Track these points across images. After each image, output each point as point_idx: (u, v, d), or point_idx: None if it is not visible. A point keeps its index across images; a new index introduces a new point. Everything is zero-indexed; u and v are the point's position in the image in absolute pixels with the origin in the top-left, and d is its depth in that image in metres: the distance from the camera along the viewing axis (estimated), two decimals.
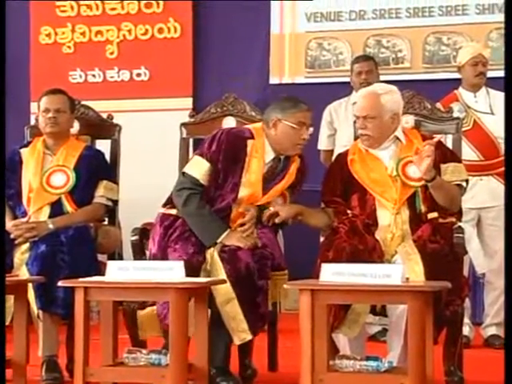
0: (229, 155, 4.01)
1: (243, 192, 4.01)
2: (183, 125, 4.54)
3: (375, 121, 3.99)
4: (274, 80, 6.84)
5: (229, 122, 4.41)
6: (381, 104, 3.99)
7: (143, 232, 4.16)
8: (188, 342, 3.56)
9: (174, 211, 4.03)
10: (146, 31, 7.09)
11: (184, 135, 4.54)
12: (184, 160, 4.48)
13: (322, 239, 4.05)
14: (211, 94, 6.04)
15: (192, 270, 3.76)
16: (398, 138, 4.08)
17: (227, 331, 3.82)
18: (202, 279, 3.68)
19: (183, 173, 4.06)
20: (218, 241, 3.92)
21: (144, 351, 3.56)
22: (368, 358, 3.46)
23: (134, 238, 4.14)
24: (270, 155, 4.07)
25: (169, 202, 4.09)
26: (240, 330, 3.81)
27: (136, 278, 3.50)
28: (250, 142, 4.04)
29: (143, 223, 4.22)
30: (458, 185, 4.06)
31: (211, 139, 4.05)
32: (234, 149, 4.02)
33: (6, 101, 4.55)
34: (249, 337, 3.83)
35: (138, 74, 7.12)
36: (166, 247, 3.94)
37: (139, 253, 4.13)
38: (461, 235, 3.87)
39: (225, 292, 3.80)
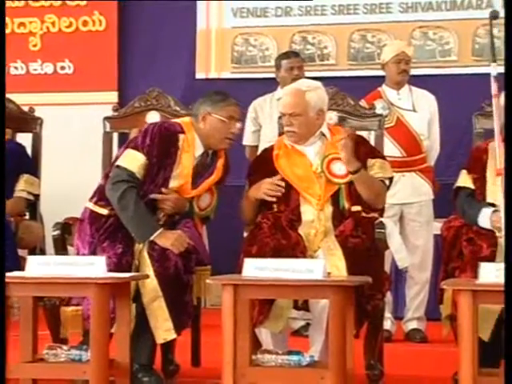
0: (162, 149, 3.99)
1: (173, 186, 4.00)
2: (106, 119, 4.49)
3: (300, 118, 4.00)
4: (200, 75, 6.83)
5: (153, 117, 4.38)
6: (306, 101, 4.01)
7: (65, 227, 4.12)
8: (110, 338, 3.53)
9: (104, 211, 3.97)
10: (70, 24, 7.01)
11: (107, 129, 4.49)
12: (107, 155, 4.44)
13: (245, 234, 4.05)
14: (137, 88, 5.98)
15: (122, 268, 3.75)
16: (323, 135, 4.10)
17: (152, 329, 3.81)
18: (123, 274, 3.65)
19: (118, 166, 3.99)
20: (151, 239, 3.89)
21: (65, 347, 3.52)
22: (290, 353, 3.48)
23: (55, 232, 4.09)
24: (199, 150, 4.07)
25: (96, 196, 4.02)
26: (164, 329, 3.79)
27: (57, 274, 3.45)
28: (181, 137, 4.03)
29: (65, 218, 4.17)
30: (382, 181, 4.09)
31: (144, 133, 4.02)
32: (166, 143, 4.01)
33: None
34: (172, 336, 3.82)
35: (62, 67, 7.03)
36: (96, 248, 3.89)
37: (61, 248, 4.09)
38: (382, 230, 3.91)
39: (152, 290, 3.78)
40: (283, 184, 3.97)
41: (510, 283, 3.07)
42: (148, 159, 3.96)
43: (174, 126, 4.07)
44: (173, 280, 3.81)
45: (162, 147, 3.98)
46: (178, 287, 3.83)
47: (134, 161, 3.97)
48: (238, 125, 4.09)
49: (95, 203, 4.00)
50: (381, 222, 3.97)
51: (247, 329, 3.38)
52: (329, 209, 3.98)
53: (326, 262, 3.52)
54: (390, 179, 4.12)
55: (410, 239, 5.29)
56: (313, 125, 4.05)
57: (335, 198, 3.98)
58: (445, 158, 5.59)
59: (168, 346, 3.99)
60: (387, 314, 5.12)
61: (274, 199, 3.97)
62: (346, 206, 3.98)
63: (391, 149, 5.16)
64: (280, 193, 3.97)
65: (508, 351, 2.99)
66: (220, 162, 4.11)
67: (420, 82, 5.54)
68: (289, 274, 3.39)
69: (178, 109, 4.39)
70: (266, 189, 3.98)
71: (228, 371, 3.32)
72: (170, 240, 3.85)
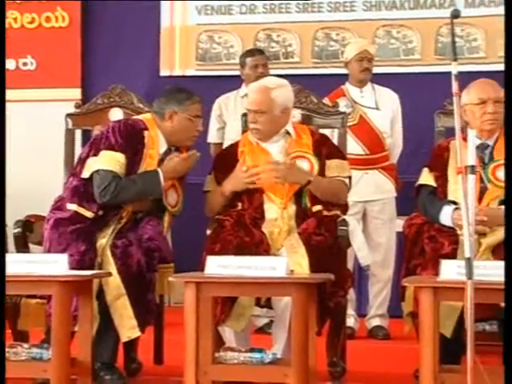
0: (132, 147, 4.00)
1: None
2: (68, 115, 4.47)
3: (266, 115, 4.01)
4: (164, 72, 6.81)
5: (115, 114, 4.37)
6: (271, 99, 4.02)
7: (26, 224, 4.09)
8: (72, 336, 3.51)
9: (88, 213, 3.95)
10: (32, 20, 6.95)
11: (69, 126, 4.47)
12: (70, 152, 4.42)
13: (208, 232, 4.05)
14: (101, 85, 5.94)
15: (84, 266, 3.74)
16: (288, 133, 4.11)
17: (116, 327, 3.79)
18: (85, 272, 3.64)
19: (98, 170, 3.96)
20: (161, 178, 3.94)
21: (25, 345, 3.50)
22: (252, 350, 3.49)
23: (16, 230, 4.07)
24: (163, 146, 4.07)
25: (76, 198, 3.97)
26: (129, 327, 3.78)
27: (19, 271, 3.43)
28: (145, 133, 4.03)
29: (26, 215, 4.14)
30: (341, 180, 4.11)
31: (112, 132, 4.00)
32: (134, 140, 4.01)
33: None
34: (137, 334, 3.81)
35: (25, 63, 6.97)
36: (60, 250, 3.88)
37: (22, 246, 4.06)
38: (345, 228, 3.93)
39: (115, 288, 3.77)
40: (257, 171, 3.96)
41: (510, 283, 3.09)
42: (126, 157, 3.96)
43: (138, 123, 4.07)
44: (136, 278, 3.81)
45: (131, 145, 3.99)
46: (140, 285, 3.82)
47: (113, 161, 3.96)
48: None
49: (79, 205, 3.97)
50: (343, 219, 3.99)
51: (210, 327, 3.38)
52: (292, 207, 3.98)
53: (288, 260, 3.54)
54: (350, 178, 4.14)
55: (373, 237, 5.31)
56: (277, 123, 4.05)
57: (298, 197, 4.00)
58: (407, 156, 5.62)
59: (131, 344, 3.98)
60: (350, 312, 5.15)
61: (257, 185, 3.95)
62: (309, 204, 3.99)
63: (354, 147, 5.18)
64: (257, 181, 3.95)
65: (508, 351, 3.01)
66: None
67: (383, 80, 5.57)
68: (251, 272, 3.40)
69: (141, 106, 4.38)
70: (243, 179, 3.96)
71: (190, 369, 3.33)
72: (173, 162, 4.00)
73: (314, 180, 3.97)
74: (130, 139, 3.99)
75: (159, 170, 3.99)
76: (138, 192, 3.97)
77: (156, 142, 4.04)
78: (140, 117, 4.14)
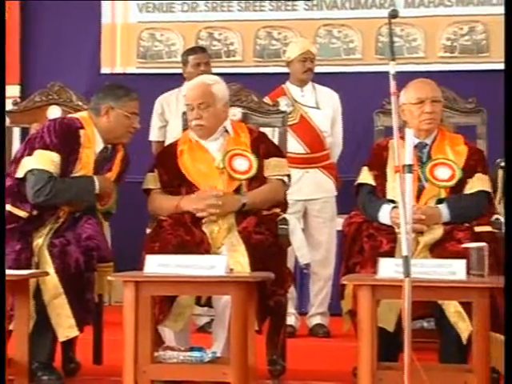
0: (67, 146, 3.95)
1: None
2: (6, 113, 4.40)
3: (210, 109, 4.00)
4: (105, 70, 6.76)
5: (54, 111, 4.32)
6: (213, 92, 4.02)
7: None
8: (9, 336, 3.47)
9: (22, 213, 3.89)
10: None
11: (7, 124, 4.40)
12: (8, 149, 4.35)
13: (148, 231, 4.03)
14: (40, 82, 5.86)
15: (20, 265, 3.70)
16: (226, 131, 4.10)
17: (54, 327, 3.75)
18: (22, 271, 3.59)
19: (32, 170, 3.91)
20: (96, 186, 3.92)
21: None
22: (192, 349, 3.48)
23: None
24: (99, 144, 4.03)
25: (10, 198, 3.90)
26: (67, 327, 3.76)
27: None
28: (81, 132, 3.99)
29: None
30: (280, 179, 4.11)
31: (47, 131, 3.95)
32: (69, 140, 3.97)
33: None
34: (75, 333, 3.78)
35: None
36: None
37: None
38: (285, 226, 3.94)
39: (53, 287, 3.74)
40: (218, 203, 3.90)
41: (510, 282, 3.11)
42: (61, 157, 3.91)
43: (74, 122, 4.03)
44: (74, 277, 3.78)
45: (66, 144, 3.95)
46: (79, 284, 3.79)
47: (48, 161, 3.91)
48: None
49: (12, 205, 3.92)
50: (284, 218, 4.00)
51: (149, 326, 3.37)
52: None
53: (228, 259, 3.54)
54: (288, 176, 4.14)
55: (314, 235, 5.34)
56: (220, 117, 4.05)
57: (237, 194, 3.99)
58: (348, 155, 5.65)
59: (69, 344, 3.95)
60: (291, 310, 5.16)
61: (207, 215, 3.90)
62: None
63: (295, 145, 5.20)
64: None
65: (509, 350, 3.04)
66: (119, 156, 4.09)
67: (324, 79, 5.59)
68: (191, 271, 3.39)
69: (80, 103, 4.34)
70: (202, 206, 3.90)
71: (129, 368, 3.31)
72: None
73: (247, 200, 3.94)
74: (66, 139, 3.95)
75: (95, 178, 3.95)
76: (71, 198, 3.93)
77: (92, 141, 4.00)
78: (76, 115, 4.10)
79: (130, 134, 4.07)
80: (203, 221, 3.90)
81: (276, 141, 4.35)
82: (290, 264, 4.32)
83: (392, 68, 3.17)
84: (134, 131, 4.08)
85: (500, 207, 4.88)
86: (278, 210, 4.02)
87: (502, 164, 4.99)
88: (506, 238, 3.35)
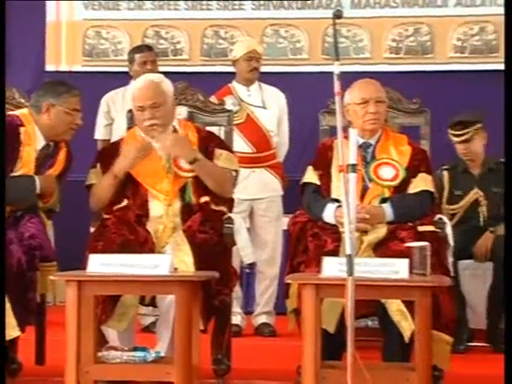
0: (8, 145, 3.90)
1: None
2: None
3: (162, 108, 3.97)
4: (50, 67, 6.69)
5: None
6: (163, 91, 4.00)
7: None
8: None
9: None
10: None
11: None
12: None
13: (91, 230, 3.99)
14: None
15: None
16: (175, 130, 4.08)
17: None
18: None
19: None
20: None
21: None
22: (136, 349, 3.46)
23: None
24: (40, 142, 3.99)
25: None
26: (8, 327, 3.70)
27: None
28: (22, 130, 3.95)
29: None
30: (229, 171, 4.10)
31: None
32: (10, 138, 3.91)
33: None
34: (17, 333, 3.74)
35: None
36: None
37: None
38: (230, 226, 3.93)
39: None
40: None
41: (510, 282, 3.12)
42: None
43: (14, 120, 3.98)
44: (16, 276, 3.73)
45: (7, 143, 3.89)
46: (21, 284, 3.74)
47: None
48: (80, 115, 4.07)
49: None
50: (229, 217, 3.99)
51: (92, 326, 3.34)
52: (177, 204, 3.96)
53: (173, 258, 3.52)
54: (236, 172, 4.14)
55: (260, 234, 5.35)
56: (172, 115, 4.05)
57: (182, 193, 3.98)
58: (294, 155, 5.67)
59: (11, 344, 3.89)
60: (237, 309, 5.17)
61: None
62: (194, 200, 3.97)
63: (241, 145, 5.21)
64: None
65: (509, 350, 3.05)
66: (62, 154, 4.06)
67: (271, 79, 5.61)
68: (134, 270, 3.37)
69: (22, 101, 4.28)
70: (132, 155, 3.90)
71: (71, 369, 3.28)
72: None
73: (200, 159, 3.93)
74: (6, 137, 3.90)
75: (36, 178, 3.91)
76: (11, 199, 3.86)
77: (33, 139, 3.96)
78: (17, 112, 4.06)
79: (72, 131, 4.04)
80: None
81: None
82: (236, 263, 4.32)
83: (336, 68, 3.18)
84: (76, 128, 4.04)
85: (447, 207, 4.97)
86: (224, 209, 4.01)
87: (446, 167, 5.07)
88: (506, 237, 3.36)
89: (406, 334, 3.55)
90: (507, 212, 3.43)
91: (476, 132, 4.99)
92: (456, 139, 4.99)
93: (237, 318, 5.14)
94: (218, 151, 4.05)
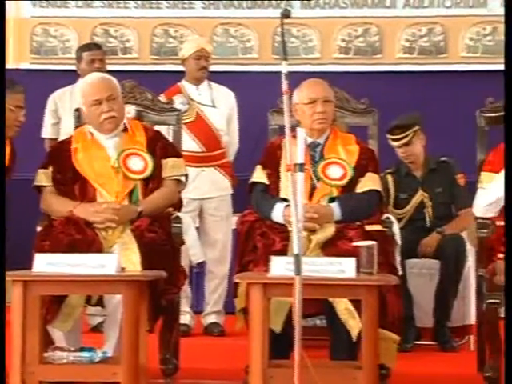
0: None
1: None
2: None
3: (118, 101, 3.96)
4: None
5: None
6: (116, 86, 4.00)
7: None
8: None
9: None
10: None
11: None
12: None
13: (38, 229, 3.95)
14: None
15: None
16: (123, 129, 4.05)
17: None
18: None
19: None
20: None
21: None
22: (82, 349, 3.43)
23: None
24: None
25: None
26: None
27: None
28: None
29: None
30: (178, 180, 4.09)
31: None
32: None
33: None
34: None
35: None
36: None
37: None
38: (178, 225, 3.92)
39: None
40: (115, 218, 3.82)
41: (510, 281, 3.13)
42: None
43: None
44: None
45: None
46: None
47: None
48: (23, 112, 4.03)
49: None
50: (177, 216, 3.98)
51: (37, 326, 3.32)
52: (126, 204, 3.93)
53: (120, 257, 3.50)
54: (186, 176, 4.13)
55: (210, 234, 5.34)
56: (124, 111, 4.05)
57: (131, 193, 3.95)
58: (244, 154, 5.66)
59: None
60: (186, 309, 5.15)
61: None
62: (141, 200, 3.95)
63: (191, 144, 5.20)
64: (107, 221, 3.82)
65: (509, 350, 3.06)
66: (6, 150, 4.01)
67: (221, 78, 5.60)
68: (81, 270, 3.35)
69: None
70: (99, 220, 3.81)
71: (16, 369, 3.25)
72: None
73: (143, 208, 3.89)
74: None
75: None
76: None
77: None
78: None
79: (16, 128, 4.00)
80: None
81: (171, 139, 4.33)
82: (185, 263, 4.31)
83: (284, 67, 3.20)
84: (19, 124, 4.01)
85: (394, 211, 5.00)
86: (171, 209, 4.00)
87: (389, 170, 5.10)
88: (506, 237, 3.37)
89: (354, 333, 3.56)
90: (507, 213, 3.47)
91: (414, 134, 5.02)
92: (395, 143, 5.01)
93: (186, 318, 5.12)
94: (163, 161, 4.02)
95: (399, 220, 4.90)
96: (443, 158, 5.09)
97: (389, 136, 5.00)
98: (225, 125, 5.41)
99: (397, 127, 4.99)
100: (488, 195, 3.91)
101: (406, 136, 4.99)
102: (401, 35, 6.47)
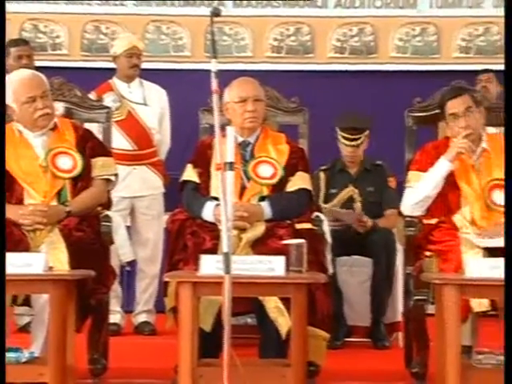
0: None
1: None
2: None
3: (49, 98, 3.92)
4: None
5: None
6: (46, 82, 3.95)
7: None
8: None
9: None
10: None
11: None
12: None
13: None
14: None
15: None
16: (55, 125, 4.00)
17: None
18: None
19: None
20: None
21: None
22: (9, 350, 3.38)
23: None
24: None
25: None
26: None
27: None
28: None
29: None
30: (107, 179, 4.06)
31: None
32: None
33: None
34: None
35: None
36: None
37: None
38: (108, 224, 3.89)
39: None
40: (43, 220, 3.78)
41: (510, 282, 3.13)
42: None
43: None
44: None
45: None
46: None
47: None
48: None
49: None
50: (107, 215, 3.94)
51: None
52: (54, 204, 3.88)
53: (48, 256, 3.46)
54: (115, 175, 4.10)
55: (141, 232, 5.31)
56: (54, 108, 3.98)
57: (59, 193, 3.91)
58: (176, 152, 5.64)
59: None
60: (117, 308, 5.11)
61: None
62: (70, 200, 3.90)
63: (122, 142, 5.17)
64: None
65: (509, 350, 3.07)
66: None
67: (152, 75, 5.57)
68: (8, 269, 3.29)
69: None
70: (28, 222, 3.76)
71: None
72: None
73: (72, 208, 3.85)
74: None
75: None
76: None
77: None
78: None
79: None
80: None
81: (100, 137, 4.29)
82: (115, 262, 4.27)
83: (214, 66, 3.19)
84: None
85: (323, 206, 5.04)
86: (100, 208, 3.97)
87: (324, 167, 5.15)
88: (505, 237, 3.40)
89: (283, 331, 3.58)
90: (507, 213, 3.51)
91: (366, 138, 5.10)
92: (347, 142, 5.06)
93: (116, 317, 5.09)
94: (92, 161, 3.99)
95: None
96: (378, 162, 5.17)
97: (341, 133, 5.06)
98: (156, 123, 5.38)
99: (354, 129, 5.04)
100: (415, 194, 3.97)
101: (359, 138, 5.05)
102: (332, 35, 6.52)
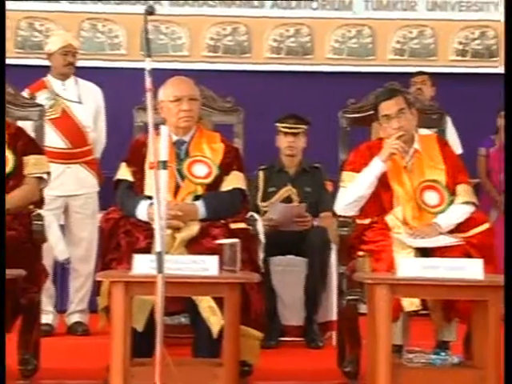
0: None
1: None
2: None
3: None
4: None
5: None
6: None
7: None
8: None
9: None
10: None
11: None
12: None
13: None
14: None
15: None
16: None
17: None
18: None
19: None
20: None
21: None
22: None
23: None
24: None
25: None
26: None
27: None
28: None
29: None
30: (40, 177, 4.02)
31: None
32: None
33: None
34: None
35: None
36: None
37: None
38: (40, 222, 3.85)
39: None
40: None
41: (510, 282, 3.12)
42: None
43: None
44: None
45: None
46: None
47: None
48: None
49: None
50: (39, 214, 3.90)
51: None
52: None
53: None
54: (48, 173, 4.06)
55: (75, 231, 5.27)
56: None
57: None
58: (111, 151, 5.60)
59: None
60: (49, 308, 5.06)
61: None
62: None
63: (56, 140, 5.12)
64: None
65: (509, 351, 3.07)
66: None
67: (88, 73, 5.52)
68: None
69: None
70: None
71: None
72: None
73: (7, 209, 3.80)
74: None
75: None
76: None
77: None
78: None
79: None
80: None
81: (33, 135, 4.24)
82: (48, 261, 4.23)
83: (148, 64, 3.18)
84: None
85: (261, 204, 5.06)
86: (31, 207, 3.92)
87: (263, 167, 5.17)
88: (505, 237, 3.40)
89: (214, 330, 3.57)
90: (507, 213, 3.52)
91: (303, 132, 5.15)
92: (287, 130, 5.12)
93: (48, 317, 5.03)
94: (25, 159, 3.95)
95: (265, 213, 4.97)
96: (316, 164, 5.21)
97: (280, 124, 5.12)
98: (91, 121, 5.34)
99: (292, 117, 5.12)
100: (349, 194, 4.00)
101: (299, 128, 5.11)
102: (269, 35, 6.54)
